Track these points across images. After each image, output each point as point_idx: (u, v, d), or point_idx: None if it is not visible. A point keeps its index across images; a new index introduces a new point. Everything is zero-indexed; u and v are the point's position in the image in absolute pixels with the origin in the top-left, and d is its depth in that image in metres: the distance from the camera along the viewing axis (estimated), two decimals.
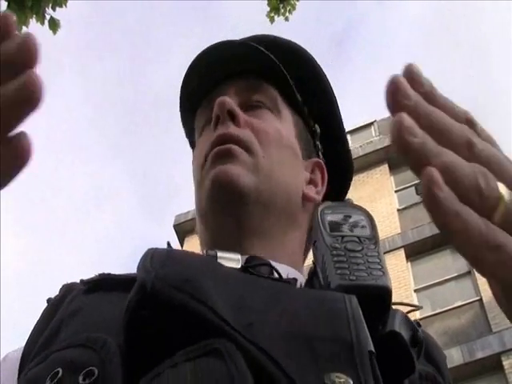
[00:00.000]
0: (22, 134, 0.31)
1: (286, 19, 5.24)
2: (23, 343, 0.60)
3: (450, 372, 0.62)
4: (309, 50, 0.81)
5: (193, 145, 0.80)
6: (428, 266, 10.89)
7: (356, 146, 12.43)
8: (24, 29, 3.90)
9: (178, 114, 0.82)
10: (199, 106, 0.78)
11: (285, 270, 0.62)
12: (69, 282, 0.65)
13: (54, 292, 0.65)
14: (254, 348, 0.42)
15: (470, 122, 0.38)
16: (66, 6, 4.09)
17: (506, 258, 0.33)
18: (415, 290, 10.65)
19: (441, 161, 0.33)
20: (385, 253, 10.09)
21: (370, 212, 0.61)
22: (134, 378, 0.43)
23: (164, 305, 0.46)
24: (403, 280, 10.58)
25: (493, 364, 9.16)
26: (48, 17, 4.07)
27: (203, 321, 0.45)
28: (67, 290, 0.63)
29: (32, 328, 0.61)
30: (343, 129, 0.83)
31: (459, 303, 10.27)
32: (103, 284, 0.59)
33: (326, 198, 0.79)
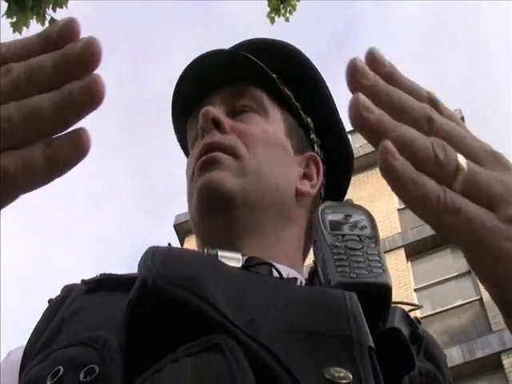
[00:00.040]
0: (82, 129, 0.34)
1: (287, 20, 5.24)
2: (24, 342, 0.60)
3: (450, 371, 0.62)
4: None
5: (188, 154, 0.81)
6: (428, 266, 10.89)
7: (356, 145, 12.43)
8: (24, 30, 3.90)
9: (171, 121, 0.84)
10: (190, 115, 0.79)
11: (285, 270, 0.62)
12: (70, 282, 0.66)
13: (54, 292, 0.65)
14: (255, 344, 0.43)
15: (433, 102, 0.40)
16: (66, 6, 4.09)
17: (466, 220, 0.36)
18: (415, 290, 10.65)
19: (397, 134, 0.36)
20: (385, 252, 10.02)
21: (371, 212, 0.61)
22: (135, 375, 0.44)
23: (165, 301, 0.46)
24: (403, 279, 10.58)
25: (493, 363, 9.16)
26: (48, 17, 4.06)
27: (204, 317, 0.45)
28: (68, 290, 0.63)
29: (33, 328, 0.61)
30: (339, 118, 0.83)
31: (459, 302, 10.26)
32: (104, 284, 0.59)
33: (328, 189, 0.79)
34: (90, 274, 0.62)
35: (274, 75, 0.76)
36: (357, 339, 0.44)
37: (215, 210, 0.68)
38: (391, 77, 0.39)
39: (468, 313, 10.09)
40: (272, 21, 5.21)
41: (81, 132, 0.34)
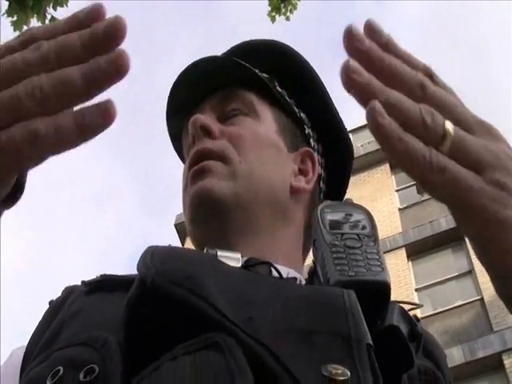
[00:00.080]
0: (109, 101, 0.36)
1: (287, 19, 5.24)
2: (25, 342, 0.60)
3: (451, 371, 0.62)
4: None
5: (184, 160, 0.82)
6: (429, 266, 10.89)
7: (357, 145, 12.44)
8: (25, 28, 3.91)
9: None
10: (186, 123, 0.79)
11: (284, 270, 0.62)
12: (71, 283, 0.66)
13: (54, 292, 0.65)
14: (254, 343, 0.43)
15: (428, 72, 0.42)
16: (67, 5, 4.10)
17: (451, 179, 0.38)
18: (416, 290, 10.65)
19: (386, 97, 0.38)
20: (386, 252, 10.10)
21: (371, 211, 0.61)
22: (135, 375, 0.44)
23: (164, 300, 0.46)
24: (404, 279, 10.58)
25: (494, 363, 9.16)
26: (49, 16, 4.08)
27: (203, 316, 0.45)
28: (69, 291, 0.63)
29: (34, 329, 0.61)
30: (339, 118, 0.83)
31: (460, 302, 10.26)
32: (105, 285, 0.59)
33: (329, 184, 0.80)
34: (91, 273, 0.63)
35: (264, 75, 0.77)
36: (355, 337, 0.44)
37: (209, 216, 0.68)
38: (388, 46, 0.41)
39: (469, 313, 10.09)
40: (273, 20, 5.22)
41: (108, 103, 0.36)
